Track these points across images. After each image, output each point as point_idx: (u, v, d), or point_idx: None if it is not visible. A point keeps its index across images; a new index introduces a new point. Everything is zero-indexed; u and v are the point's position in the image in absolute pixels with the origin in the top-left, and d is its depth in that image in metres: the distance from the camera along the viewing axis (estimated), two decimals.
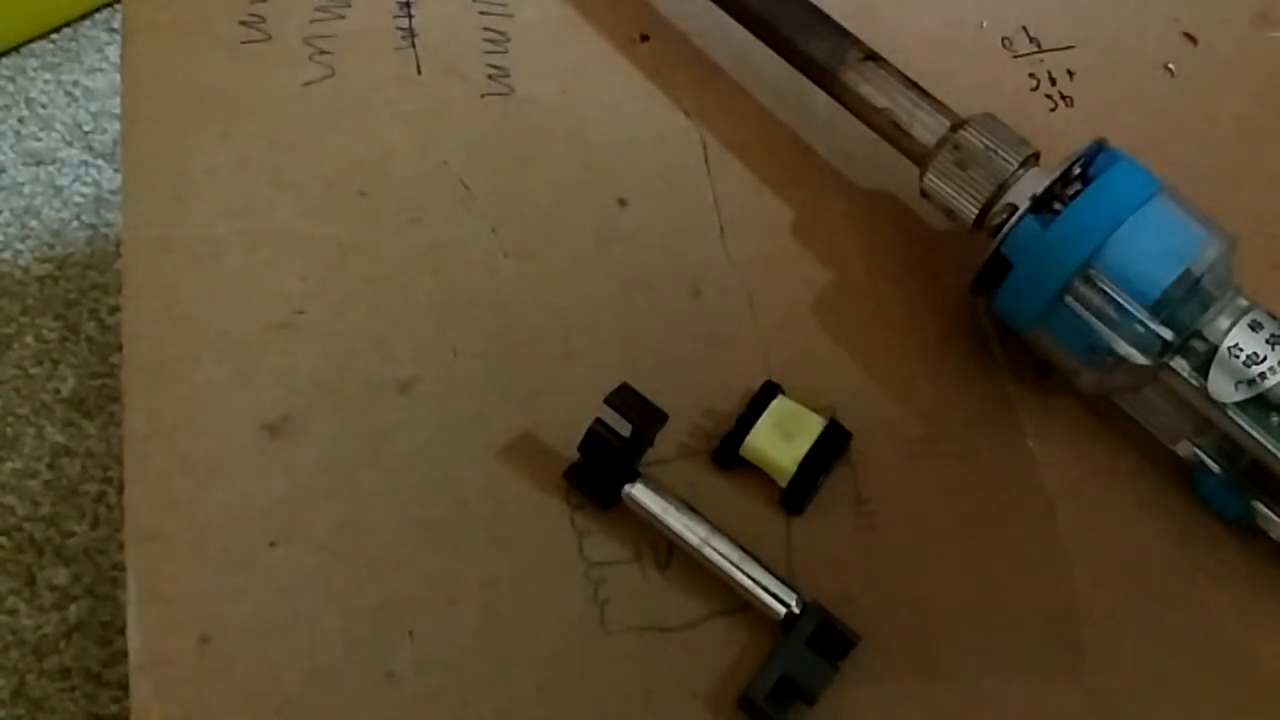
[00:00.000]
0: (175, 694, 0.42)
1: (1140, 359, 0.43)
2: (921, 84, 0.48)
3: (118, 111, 0.53)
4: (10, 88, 1.27)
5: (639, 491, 0.44)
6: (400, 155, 0.51)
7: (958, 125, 0.47)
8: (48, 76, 1.28)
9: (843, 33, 0.49)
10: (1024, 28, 0.55)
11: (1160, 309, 0.42)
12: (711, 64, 0.54)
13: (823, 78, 0.49)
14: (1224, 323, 0.43)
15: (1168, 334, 0.43)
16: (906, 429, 0.47)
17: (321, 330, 0.48)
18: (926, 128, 0.47)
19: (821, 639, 0.43)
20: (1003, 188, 0.45)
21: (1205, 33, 0.55)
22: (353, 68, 0.53)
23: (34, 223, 1.20)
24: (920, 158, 0.47)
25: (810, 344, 0.49)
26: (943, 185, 0.46)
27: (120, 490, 0.47)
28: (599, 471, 0.45)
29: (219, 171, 0.50)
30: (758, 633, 0.44)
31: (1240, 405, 0.43)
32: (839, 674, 0.43)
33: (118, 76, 0.54)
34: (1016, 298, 0.45)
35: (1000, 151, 0.45)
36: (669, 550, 0.45)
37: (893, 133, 0.48)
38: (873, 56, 0.48)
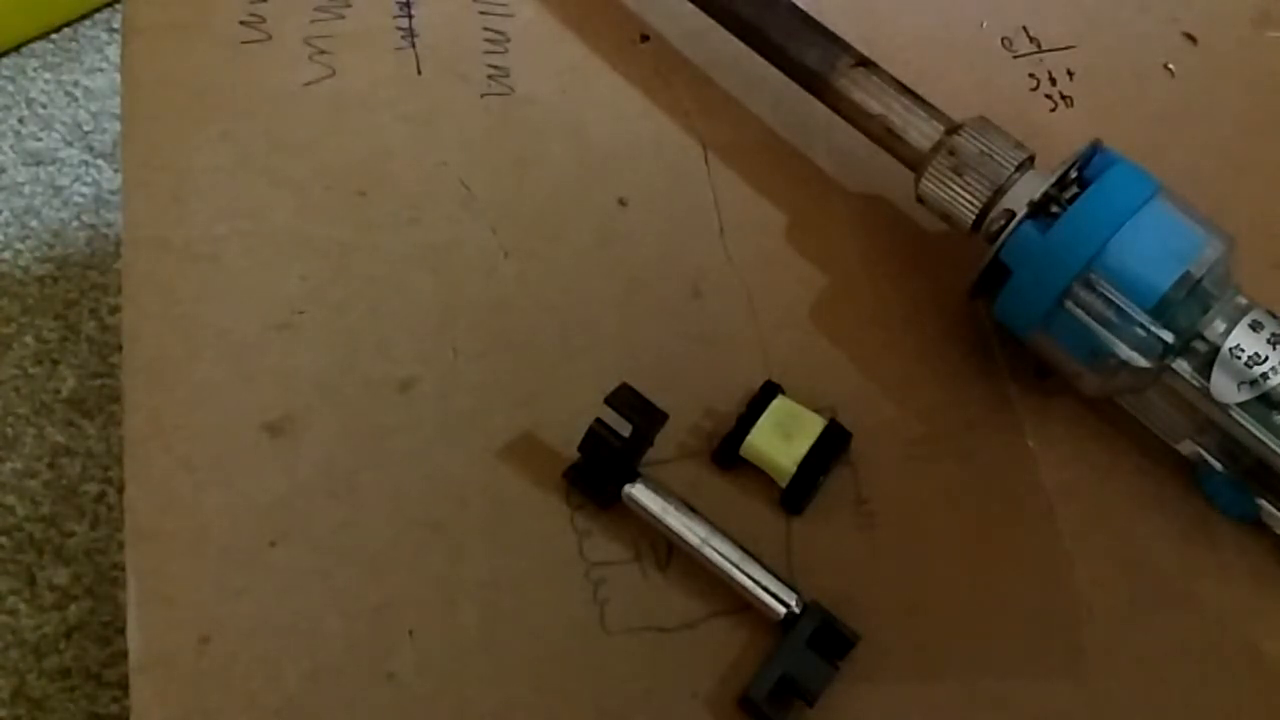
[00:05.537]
0: (175, 694, 0.42)
1: (1142, 362, 0.43)
2: (921, 83, 0.48)
3: (118, 111, 0.53)
4: (10, 88, 1.27)
5: (639, 491, 0.44)
6: (400, 155, 0.51)
7: (952, 129, 0.46)
8: (48, 76, 1.28)
9: (834, 39, 0.49)
10: (1024, 28, 0.55)
11: (1161, 311, 0.42)
12: (711, 64, 0.54)
13: (815, 85, 0.49)
14: (1225, 324, 0.43)
15: (1169, 336, 0.42)
16: (906, 429, 0.47)
17: (321, 330, 0.48)
18: (921, 133, 0.47)
19: (821, 639, 0.43)
20: (999, 192, 0.45)
21: (1205, 33, 0.55)
22: (353, 68, 0.53)
23: (34, 223, 1.20)
24: (915, 163, 0.47)
25: (810, 344, 0.49)
26: (939, 190, 0.46)
27: (120, 490, 0.48)
28: (599, 471, 0.45)
29: (219, 171, 0.50)
30: (758, 633, 0.44)
31: (1243, 406, 0.43)
32: (839, 674, 0.43)
33: (118, 76, 0.54)
34: (1016, 304, 0.45)
35: (996, 155, 0.45)
36: (669, 550, 0.45)
37: (887, 139, 0.48)
38: (864, 63, 0.48)
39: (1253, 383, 0.42)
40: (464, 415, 0.47)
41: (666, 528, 0.44)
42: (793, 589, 0.43)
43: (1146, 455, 0.47)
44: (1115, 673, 0.44)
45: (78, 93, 1.27)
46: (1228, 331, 0.43)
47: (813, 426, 0.45)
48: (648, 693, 0.43)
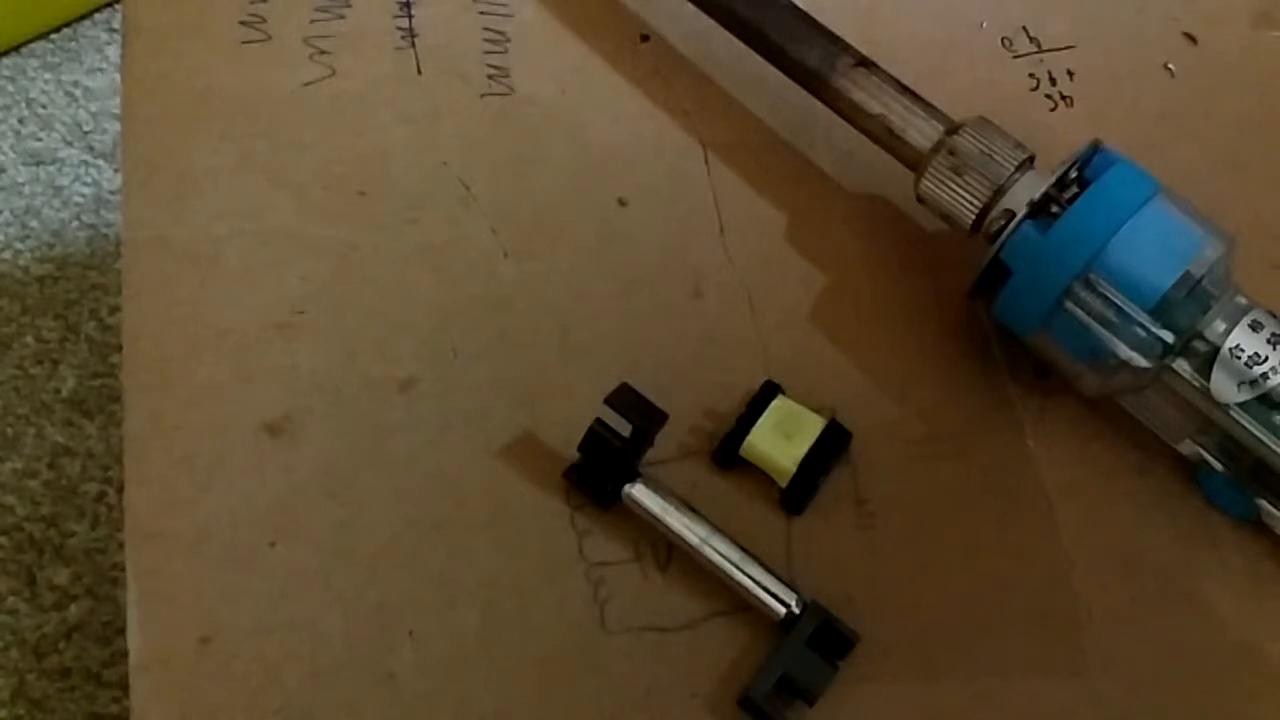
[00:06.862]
0: (175, 694, 0.42)
1: (1142, 362, 0.43)
2: (921, 83, 0.48)
3: (118, 111, 0.53)
4: (10, 88, 1.27)
5: (639, 491, 0.44)
6: (400, 155, 0.51)
7: (952, 130, 0.46)
8: (48, 76, 1.28)
9: (833, 39, 0.49)
10: (1024, 28, 0.55)
11: (1161, 311, 0.42)
12: (711, 64, 0.54)
13: (814, 85, 0.49)
14: (1225, 324, 0.43)
15: (1169, 336, 0.43)
16: (906, 429, 0.47)
17: (321, 330, 0.48)
18: (920, 133, 0.47)
19: (821, 639, 0.43)
20: (999, 192, 0.45)
21: (1205, 33, 0.55)
22: (353, 68, 0.53)
23: (34, 223, 1.20)
24: (915, 163, 0.47)
25: (810, 344, 0.49)
26: (939, 190, 0.46)
27: (120, 490, 0.48)
28: (599, 471, 0.45)
29: (219, 171, 0.50)
30: (758, 633, 0.44)
31: (1243, 405, 0.43)
32: (839, 674, 0.43)
33: (118, 76, 0.54)
34: (1016, 304, 0.45)
35: (996, 155, 0.45)
36: (669, 550, 0.45)
37: (887, 138, 0.48)
38: (864, 63, 0.48)
39: (1253, 383, 0.42)
40: (464, 415, 0.47)
41: (666, 528, 0.44)
42: (793, 589, 0.43)
43: (1146, 455, 0.47)
44: (1115, 673, 0.44)
45: (78, 93, 1.27)
46: (1228, 331, 0.43)
47: (813, 426, 0.45)
48: (648, 693, 0.43)
